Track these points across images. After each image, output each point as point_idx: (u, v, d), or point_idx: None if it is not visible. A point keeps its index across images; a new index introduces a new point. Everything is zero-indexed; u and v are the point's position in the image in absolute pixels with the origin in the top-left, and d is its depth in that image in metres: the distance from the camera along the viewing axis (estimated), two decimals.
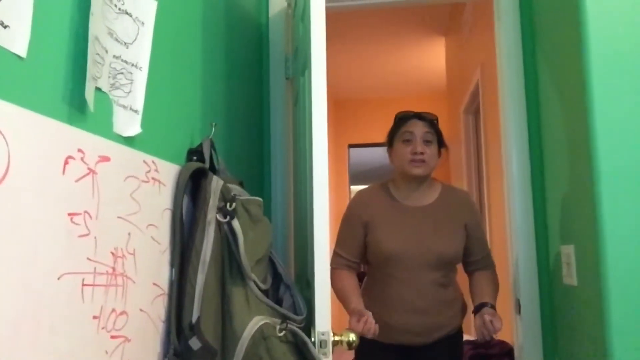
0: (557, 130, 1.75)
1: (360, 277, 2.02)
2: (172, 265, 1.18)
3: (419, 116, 1.88)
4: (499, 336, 2.79)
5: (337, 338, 1.29)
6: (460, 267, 1.96)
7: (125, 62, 1.04)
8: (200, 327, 1.11)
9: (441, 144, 1.90)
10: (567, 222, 1.66)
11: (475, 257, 1.89)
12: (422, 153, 1.81)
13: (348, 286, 1.81)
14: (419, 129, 1.84)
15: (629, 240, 1.35)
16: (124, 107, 1.03)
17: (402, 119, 1.90)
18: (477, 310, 1.72)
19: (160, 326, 1.12)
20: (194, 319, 1.13)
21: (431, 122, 1.88)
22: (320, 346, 1.23)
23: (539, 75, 1.96)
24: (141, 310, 1.05)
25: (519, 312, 1.90)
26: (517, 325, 1.93)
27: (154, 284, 1.11)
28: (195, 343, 1.10)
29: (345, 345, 1.29)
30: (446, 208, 1.89)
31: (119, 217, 0.98)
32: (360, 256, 1.89)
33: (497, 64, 2.12)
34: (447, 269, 1.84)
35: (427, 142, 1.83)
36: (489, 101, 3.07)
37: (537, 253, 1.92)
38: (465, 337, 2.62)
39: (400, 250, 1.80)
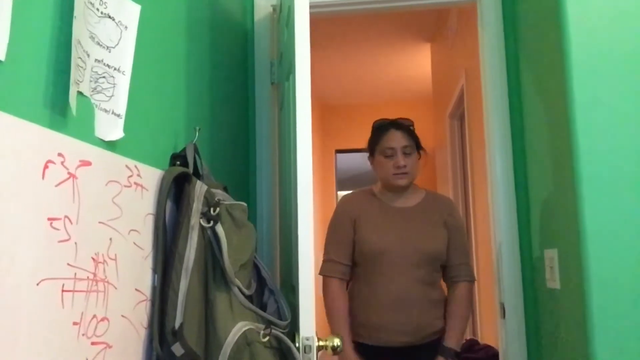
0: (540, 134, 1.77)
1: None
2: (154, 270, 1.17)
3: (396, 125, 1.92)
4: (485, 340, 2.80)
5: (321, 343, 1.28)
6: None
7: (108, 66, 1.03)
8: (183, 333, 1.10)
9: (419, 148, 1.94)
10: (550, 226, 1.67)
11: (455, 262, 1.90)
12: (404, 166, 1.87)
13: (340, 311, 1.87)
14: (397, 142, 1.88)
15: (610, 244, 1.37)
16: (106, 111, 1.02)
17: (379, 129, 1.94)
18: (441, 352, 1.84)
19: (143, 332, 1.11)
20: (176, 325, 1.12)
21: (408, 130, 1.93)
22: (305, 351, 1.22)
23: (521, 80, 1.98)
24: (123, 316, 1.04)
25: (504, 316, 1.91)
26: (502, 329, 1.94)
27: (136, 289, 1.10)
28: (178, 349, 1.09)
29: (329, 350, 1.29)
30: (429, 209, 1.93)
31: (100, 222, 0.98)
32: (350, 259, 1.91)
33: (481, 69, 2.14)
34: (432, 268, 1.87)
35: (407, 153, 1.89)
36: (474, 106, 3.09)
37: (521, 257, 1.93)
38: None
39: (386, 247, 1.83)
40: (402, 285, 1.82)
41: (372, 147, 1.95)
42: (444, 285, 1.96)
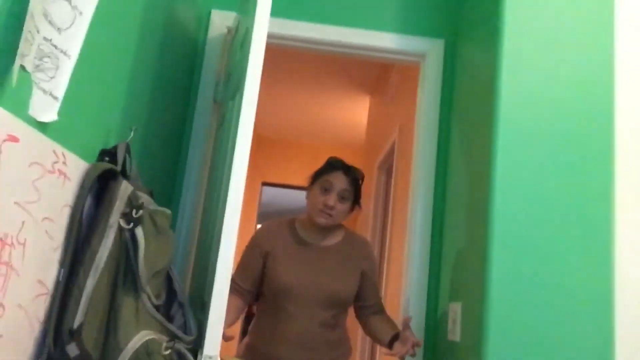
0: (460, 195, 1.87)
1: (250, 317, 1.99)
2: (62, 264, 1.11)
3: (347, 169, 1.91)
4: None
5: None
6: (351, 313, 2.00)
7: (55, 46, 1.01)
8: (81, 334, 1.05)
9: (357, 202, 1.95)
10: (458, 281, 1.76)
11: (369, 302, 1.94)
12: (332, 208, 1.85)
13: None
14: (339, 183, 1.87)
15: (511, 303, 1.45)
16: (44, 91, 0.99)
17: (330, 165, 1.93)
18: (395, 338, 1.75)
19: (37, 327, 1.05)
20: (76, 325, 1.06)
21: (356, 180, 1.92)
22: None
23: (451, 142, 2.10)
24: (20, 306, 0.98)
25: None
26: None
27: (39, 281, 1.04)
28: (72, 349, 1.03)
29: None
30: (346, 252, 1.94)
31: (15, 203, 0.93)
32: (254, 285, 1.89)
33: (415, 126, 2.25)
34: (338, 310, 1.88)
35: (342, 198, 1.87)
36: (402, 161, 3.22)
37: (427, 309, 2.00)
38: None
39: (295, 284, 1.82)
40: (304, 325, 1.82)
41: (315, 177, 1.94)
42: (349, 321, 1.98)
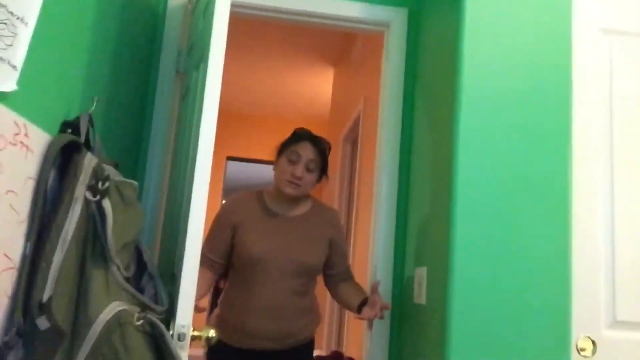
0: (425, 163, 1.91)
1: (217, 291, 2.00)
2: (28, 238, 1.10)
3: (313, 140, 1.93)
4: (349, 354, 2.91)
5: (196, 333, 1.27)
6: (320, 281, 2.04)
7: (11, 13, 0.97)
8: (51, 307, 1.04)
9: (324, 172, 1.97)
10: (424, 246, 1.81)
11: (337, 269, 1.98)
12: (299, 178, 1.87)
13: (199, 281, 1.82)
14: (306, 153, 1.89)
15: (475, 266, 1.51)
16: (2, 60, 0.96)
17: (297, 136, 1.95)
18: (363, 303, 1.82)
19: (5, 301, 1.03)
20: (45, 298, 1.06)
21: (322, 150, 1.94)
22: (179, 339, 1.21)
23: (415, 111, 2.13)
24: None
25: (371, 327, 2.01)
26: (367, 341, 2.03)
27: (5, 255, 1.02)
28: (43, 323, 1.02)
29: (203, 340, 1.28)
30: (314, 221, 1.97)
31: None
32: (223, 257, 1.90)
33: (380, 96, 2.27)
34: (307, 278, 1.91)
35: (309, 169, 1.90)
36: (368, 133, 3.25)
37: (394, 274, 2.05)
38: (316, 352, 2.70)
39: (264, 253, 1.84)
40: (275, 294, 1.85)
41: (282, 148, 1.95)
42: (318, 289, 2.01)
